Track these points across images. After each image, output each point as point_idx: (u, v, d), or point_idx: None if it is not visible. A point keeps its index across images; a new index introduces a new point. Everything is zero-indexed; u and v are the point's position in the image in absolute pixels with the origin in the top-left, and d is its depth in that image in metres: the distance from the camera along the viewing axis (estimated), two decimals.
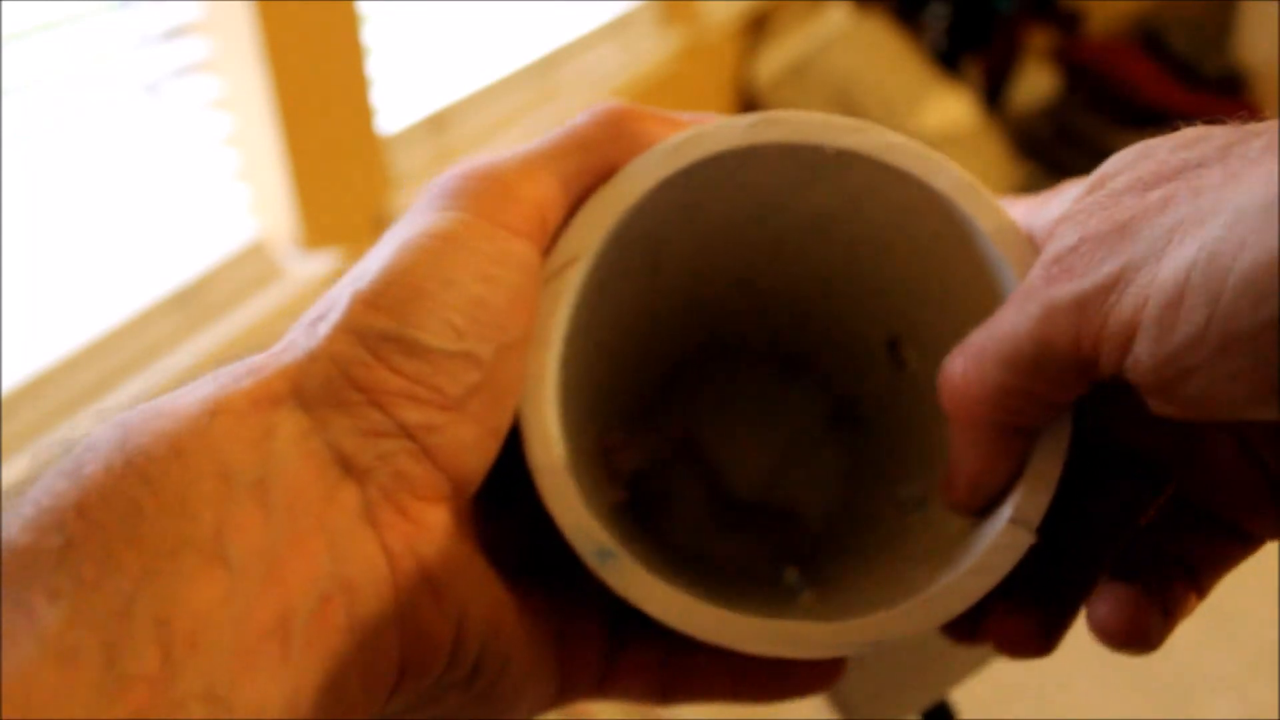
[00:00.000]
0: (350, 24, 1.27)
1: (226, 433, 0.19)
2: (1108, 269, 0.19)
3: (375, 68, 1.30)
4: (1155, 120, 2.67)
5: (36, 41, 0.96)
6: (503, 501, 0.24)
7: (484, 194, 0.22)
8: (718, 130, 0.25)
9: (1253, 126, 0.19)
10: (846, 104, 2.44)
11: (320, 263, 1.21)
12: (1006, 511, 0.23)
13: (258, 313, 1.14)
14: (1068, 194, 0.24)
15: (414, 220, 0.22)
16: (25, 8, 0.95)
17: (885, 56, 2.59)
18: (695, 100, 2.26)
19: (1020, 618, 0.24)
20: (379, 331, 0.20)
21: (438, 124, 1.47)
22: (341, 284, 0.22)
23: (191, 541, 0.17)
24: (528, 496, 0.23)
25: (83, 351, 1.01)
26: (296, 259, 1.22)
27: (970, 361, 0.22)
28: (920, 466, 0.29)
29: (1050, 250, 0.20)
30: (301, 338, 0.21)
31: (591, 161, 0.24)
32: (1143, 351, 0.18)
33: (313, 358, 0.20)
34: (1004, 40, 2.83)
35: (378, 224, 1.34)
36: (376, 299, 0.21)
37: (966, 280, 0.25)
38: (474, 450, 0.22)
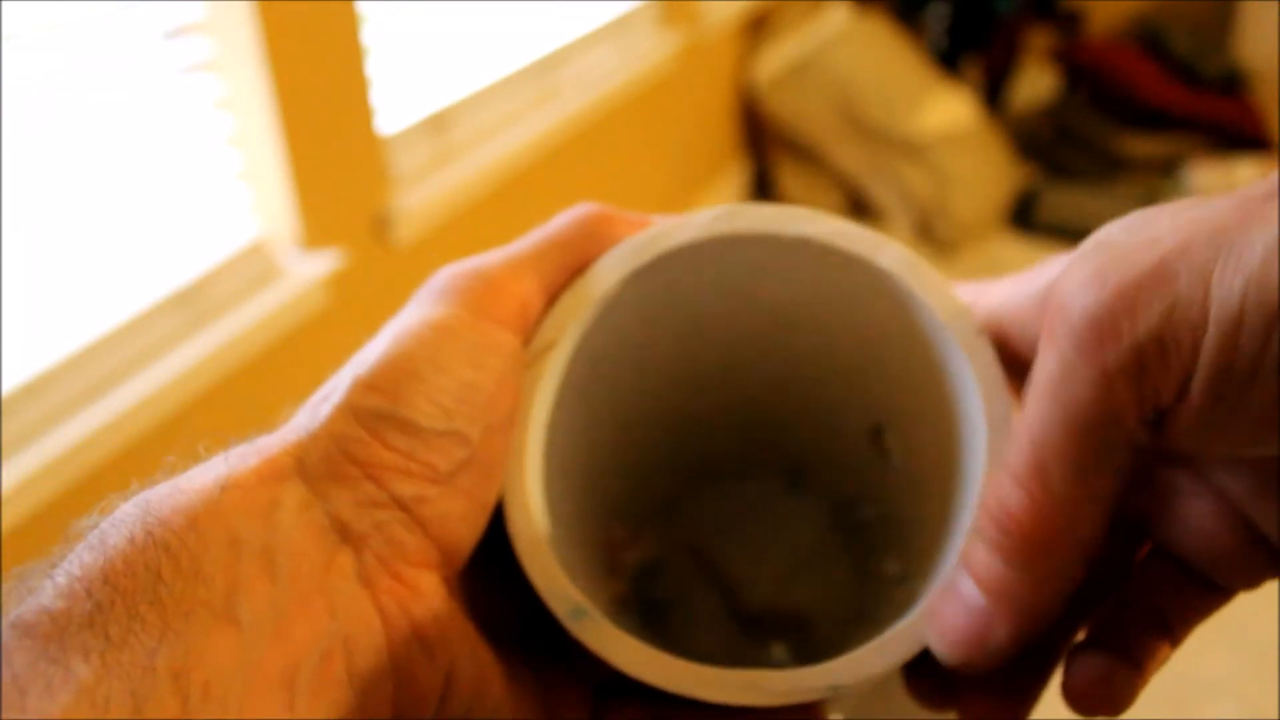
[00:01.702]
0: (350, 24, 1.27)
1: (235, 506, 0.21)
2: (1157, 312, 0.18)
3: (375, 68, 1.30)
4: (1155, 120, 2.67)
5: (38, 41, 0.96)
6: (495, 578, 0.25)
7: (472, 291, 0.25)
8: (680, 225, 0.27)
9: (1248, 186, 0.19)
10: (846, 104, 2.44)
11: (320, 263, 1.21)
12: (950, 561, 0.24)
13: (258, 313, 1.14)
14: (1002, 286, 0.25)
15: (410, 313, 0.24)
16: (26, 7, 0.95)
17: (885, 56, 2.59)
18: (695, 100, 2.26)
19: (989, 699, 0.24)
20: (375, 411, 0.22)
21: (438, 124, 1.47)
22: (344, 369, 0.24)
23: (205, 603, 0.19)
24: (516, 573, 0.25)
25: (83, 351, 1.01)
26: (296, 259, 1.22)
27: (1033, 483, 0.20)
28: (902, 545, 0.30)
29: (1072, 320, 0.19)
30: (305, 419, 0.23)
31: (568, 259, 0.27)
32: (1199, 382, 0.18)
33: (314, 436, 0.22)
34: (1004, 40, 2.83)
35: (378, 224, 1.34)
36: (374, 381, 0.23)
37: (925, 359, 0.27)
38: (462, 521, 0.23)
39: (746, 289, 0.28)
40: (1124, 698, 0.23)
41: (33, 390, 0.97)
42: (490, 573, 0.25)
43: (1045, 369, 0.20)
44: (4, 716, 0.17)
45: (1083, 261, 0.20)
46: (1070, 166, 2.66)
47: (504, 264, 0.26)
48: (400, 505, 0.22)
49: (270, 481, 0.21)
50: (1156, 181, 2.53)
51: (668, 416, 0.32)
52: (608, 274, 0.27)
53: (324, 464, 0.22)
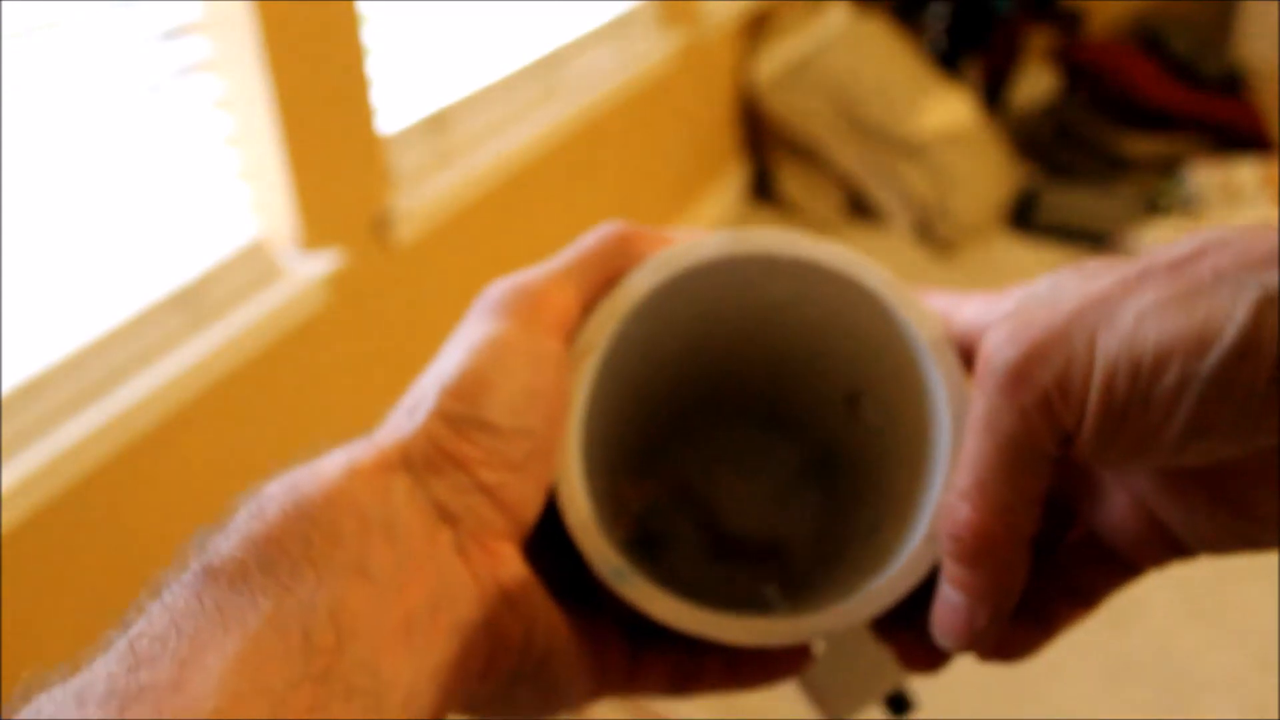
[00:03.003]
0: (350, 24, 1.27)
1: (361, 488, 0.26)
2: (1058, 365, 0.24)
3: (375, 68, 1.30)
4: (1155, 120, 2.67)
5: (37, 41, 0.96)
6: (547, 545, 0.31)
7: (524, 306, 0.30)
8: (698, 245, 0.32)
9: (1131, 261, 0.25)
10: (846, 104, 2.44)
11: (320, 263, 1.21)
12: (921, 530, 0.30)
13: (258, 312, 1.14)
14: (974, 304, 0.30)
15: (473, 329, 0.30)
16: (26, 8, 0.95)
17: (885, 56, 2.59)
18: (695, 100, 2.26)
19: (917, 637, 0.31)
20: (460, 415, 0.28)
21: (438, 124, 1.47)
22: (426, 380, 0.29)
23: (344, 563, 0.24)
24: (562, 543, 0.30)
25: (83, 351, 1.01)
26: (296, 259, 1.22)
27: (975, 497, 0.26)
28: (874, 498, 0.36)
29: (997, 367, 0.25)
30: (405, 422, 0.28)
31: (601, 273, 0.32)
32: (1090, 415, 0.24)
33: (414, 436, 0.28)
34: (1004, 40, 2.83)
35: (378, 224, 1.34)
36: (456, 390, 0.28)
37: (897, 354, 0.32)
38: (531, 501, 0.29)
39: (749, 291, 0.34)
40: (1025, 651, 0.30)
41: (33, 390, 0.97)
42: (543, 541, 0.30)
43: (977, 408, 0.26)
44: (207, 637, 0.22)
45: (1004, 322, 0.26)
46: (1070, 166, 2.66)
47: (547, 279, 0.31)
48: (484, 490, 0.28)
49: (385, 471, 0.27)
50: (1156, 181, 2.52)
51: (673, 385, 0.38)
52: (637, 288, 0.32)
53: (424, 458, 0.27)
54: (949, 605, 0.27)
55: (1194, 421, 0.22)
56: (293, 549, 0.24)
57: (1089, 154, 2.68)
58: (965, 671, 1.43)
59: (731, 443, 0.40)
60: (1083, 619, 0.30)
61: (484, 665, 0.27)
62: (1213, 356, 0.22)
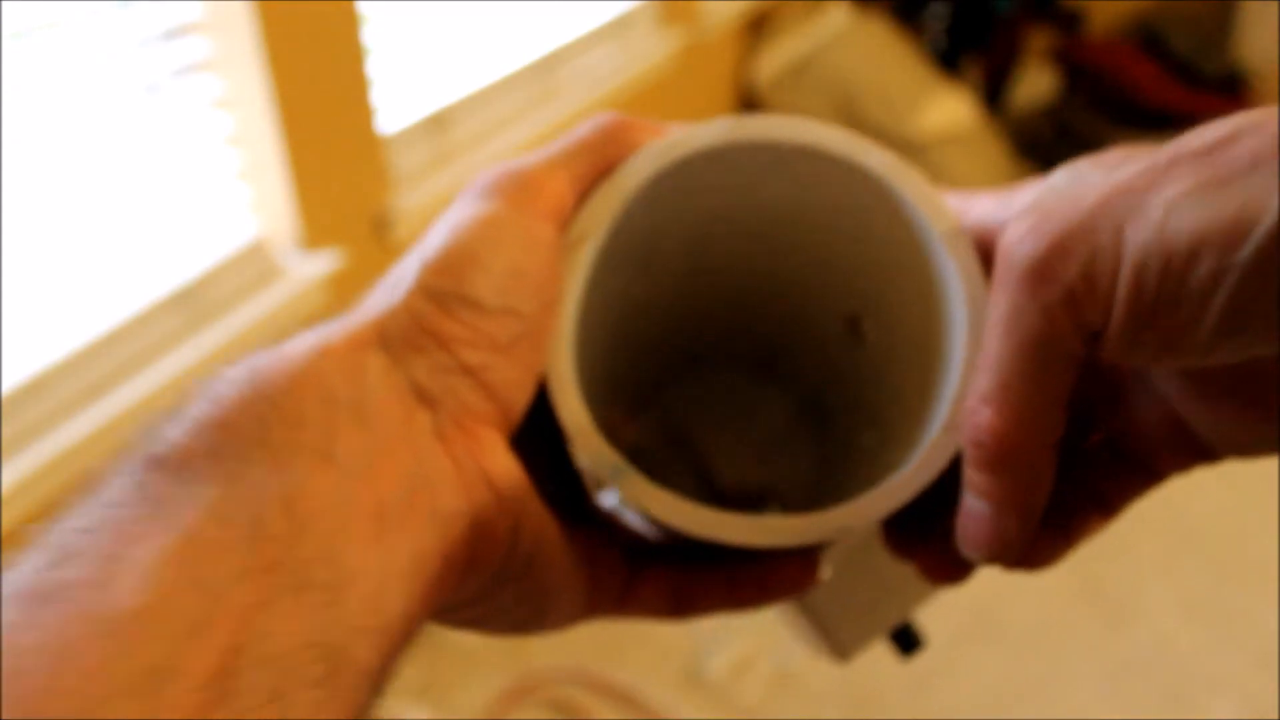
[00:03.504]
0: (350, 24, 1.27)
1: (330, 368, 0.24)
2: (1083, 259, 0.23)
3: (375, 68, 1.30)
4: (1155, 120, 2.67)
5: (37, 41, 0.96)
6: (537, 451, 0.29)
7: (515, 188, 0.28)
8: (695, 132, 0.31)
9: (1157, 151, 0.23)
10: (846, 104, 2.44)
11: (320, 262, 1.21)
12: (938, 424, 0.28)
13: (258, 312, 1.14)
14: (984, 202, 0.29)
15: (461, 209, 0.28)
16: (26, 7, 0.95)
17: (885, 56, 2.59)
18: (695, 100, 2.26)
19: (938, 548, 0.29)
20: (444, 290, 0.26)
21: (438, 124, 1.47)
22: (408, 258, 0.27)
23: (307, 446, 0.23)
24: (555, 452, 0.29)
25: (83, 351, 1.01)
26: (296, 259, 1.22)
27: (998, 401, 0.25)
28: (877, 417, 0.34)
29: (1018, 262, 0.24)
30: (384, 296, 0.26)
31: (596, 161, 0.30)
32: (1118, 311, 0.23)
33: (393, 312, 0.26)
34: (1004, 40, 2.83)
35: (378, 224, 1.34)
36: (440, 265, 0.26)
37: (908, 249, 0.30)
38: (518, 386, 0.27)
39: (747, 187, 0.32)
40: (1048, 560, 0.28)
41: (33, 390, 0.97)
42: (533, 448, 0.28)
43: (998, 308, 0.25)
44: (141, 529, 0.20)
45: (1024, 217, 0.24)
46: None
47: (540, 165, 0.29)
48: (467, 371, 0.26)
49: (358, 349, 0.25)
50: None
51: (666, 304, 0.36)
52: (634, 175, 0.30)
53: (402, 335, 0.26)
54: (974, 515, 0.26)
55: (1228, 317, 0.21)
56: (246, 432, 0.22)
57: (1089, 154, 2.68)
58: (965, 671, 1.42)
59: (722, 390, 0.38)
60: (1103, 528, 0.29)
61: (466, 560, 0.25)
62: (1249, 247, 0.21)
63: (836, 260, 0.33)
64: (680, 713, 1.33)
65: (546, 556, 0.28)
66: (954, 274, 0.29)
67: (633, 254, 0.32)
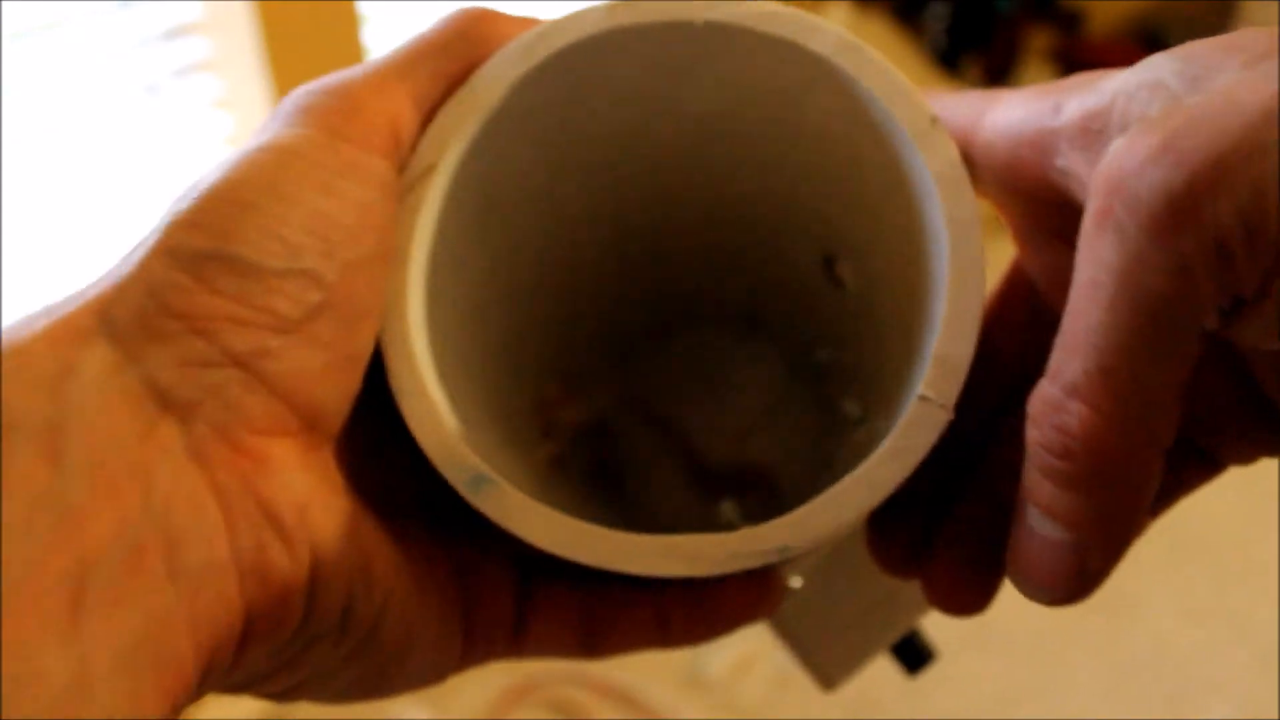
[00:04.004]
0: (350, 24, 1.27)
1: (11, 376, 0.17)
2: (1244, 192, 0.16)
3: None
4: None
5: (37, 41, 0.96)
6: (390, 445, 0.22)
7: (328, 109, 0.21)
8: (575, 17, 0.23)
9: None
10: None
11: None
12: (917, 386, 0.21)
13: None
14: (1010, 107, 0.22)
15: (251, 140, 0.21)
16: (26, 7, 0.95)
17: (885, 56, 2.59)
18: None
19: (955, 567, 0.22)
20: (198, 251, 0.19)
21: None
22: (167, 207, 0.20)
23: None
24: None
25: None
26: None
27: (1098, 392, 0.18)
28: (862, 384, 0.28)
29: (1142, 201, 0.17)
30: (116, 266, 0.19)
31: (445, 68, 0.23)
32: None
33: (122, 287, 0.19)
34: (1004, 40, 2.83)
35: None
36: (196, 217, 0.19)
37: (878, 165, 0.23)
38: (323, 378, 0.20)
39: (663, 96, 0.24)
40: (1095, 582, 0.21)
41: None
42: (383, 438, 0.22)
43: (1103, 259, 0.17)
44: None
45: (1144, 133, 0.17)
46: None
47: (366, 76, 0.22)
48: (237, 362, 0.19)
49: (62, 345, 0.18)
50: None
51: (593, 260, 0.29)
52: (493, 81, 0.22)
53: (137, 319, 0.18)
54: (1045, 544, 0.19)
55: None
56: None
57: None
58: (965, 672, 1.42)
59: (701, 353, 0.31)
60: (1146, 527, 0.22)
61: (240, 627, 0.18)
62: None
63: (798, 187, 0.26)
64: (680, 713, 1.33)
65: (375, 603, 0.20)
66: (930, 187, 0.22)
67: (523, 198, 0.25)
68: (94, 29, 1.01)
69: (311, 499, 0.20)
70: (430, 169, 0.22)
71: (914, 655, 0.28)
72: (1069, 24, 2.99)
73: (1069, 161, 0.20)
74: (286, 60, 1.15)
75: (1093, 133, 0.19)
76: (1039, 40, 3.01)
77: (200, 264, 0.19)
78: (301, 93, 0.21)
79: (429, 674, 0.23)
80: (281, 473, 0.19)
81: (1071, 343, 0.18)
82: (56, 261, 1.01)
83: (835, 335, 0.29)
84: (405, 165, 0.22)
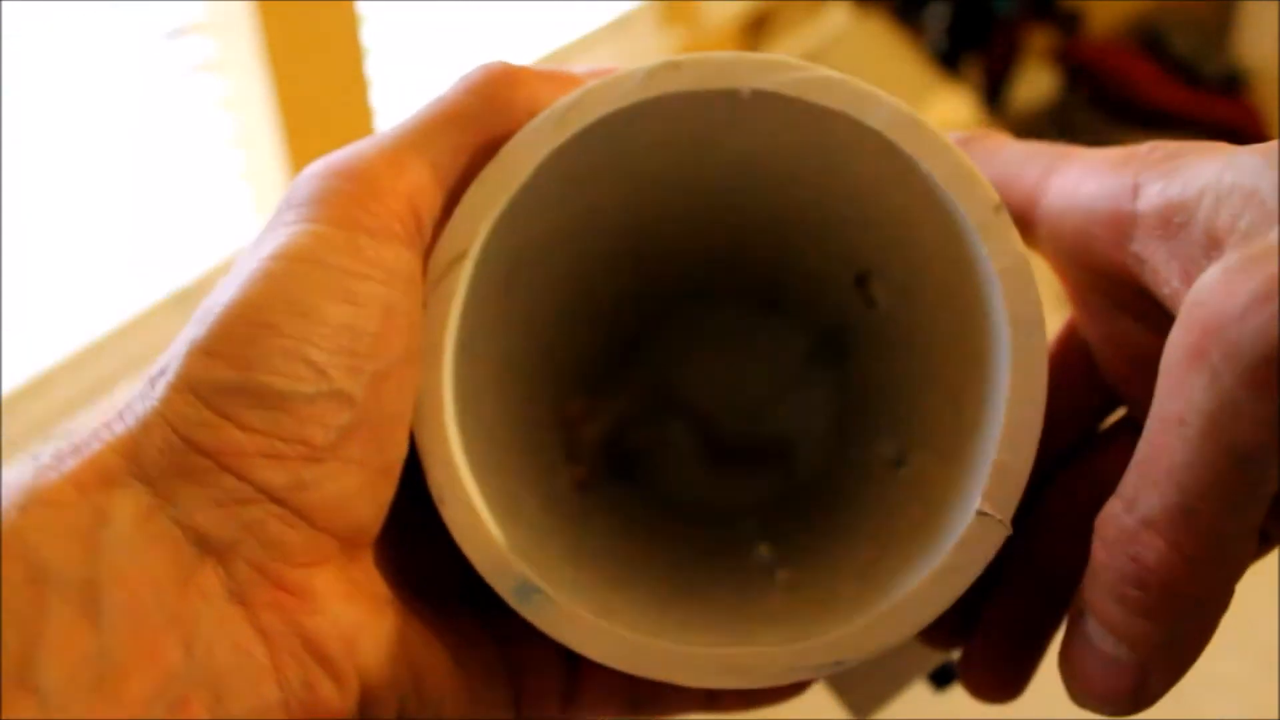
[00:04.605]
0: (350, 24, 1.27)
1: (43, 528, 0.16)
2: None
3: (375, 68, 1.30)
4: (1155, 120, 2.67)
5: (38, 42, 0.96)
6: (424, 530, 0.21)
7: (344, 197, 0.19)
8: (612, 84, 0.21)
9: None
10: None
11: None
12: (973, 500, 0.21)
13: None
14: (1080, 175, 0.21)
15: (262, 242, 0.19)
16: (26, 7, 0.95)
17: (885, 56, 2.59)
18: None
19: (993, 661, 0.22)
20: (221, 383, 0.18)
21: None
22: (185, 330, 0.19)
23: None
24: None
25: (83, 351, 1.01)
26: None
27: (1179, 529, 0.17)
28: (898, 420, 0.27)
29: (1239, 350, 0.16)
30: (138, 402, 0.18)
31: (469, 140, 0.21)
32: None
33: (148, 425, 0.18)
34: (1004, 40, 2.83)
35: None
36: (216, 345, 0.18)
37: (922, 222, 0.23)
38: (359, 498, 0.19)
39: (705, 142, 0.24)
40: (1153, 700, 0.21)
41: (33, 390, 0.97)
42: (419, 525, 0.21)
43: (1193, 400, 0.16)
44: None
45: (1247, 269, 0.16)
46: None
47: (382, 151, 0.20)
48: (273, 498, 0.18)
49: (94, 489, 0.17)
50: None
51: (617, 289, 0.28)
52: (525, 155, 0.21)
53: (165, 459, 0.17)
54: (1105, 658, 0.19)
55: None
56: None
57: None
58: None
59: (719, 327, 0.30)
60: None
61: None
62: None
63: (827, 216, 0.26)
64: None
65: (429, 707, 0.20)
66: (994, 281, 0.21)
67: (553, 250, 0.25)
68: (96, 29, 1.01)
69: (358, 629, 0.19)
70: (461, 256, 0.21)
71: (944, 674, 0.29)
72: (1068, 24, 2.99)
73: (1145, 250, 0.19)
74: (287, 61, 1.15)
75: (1174, 225, 0.18)
76: (1038, 40, 3.01)
77: (225, 397, 0.18)
78: (313, 176, 0.20)
79: None
80: (326, 606, 0.19)
81: (1151, 475, 0.17)
82: (58, 263, 1.01)
83: (867, 340, 0.29)
84: (428, 249, 0.21)
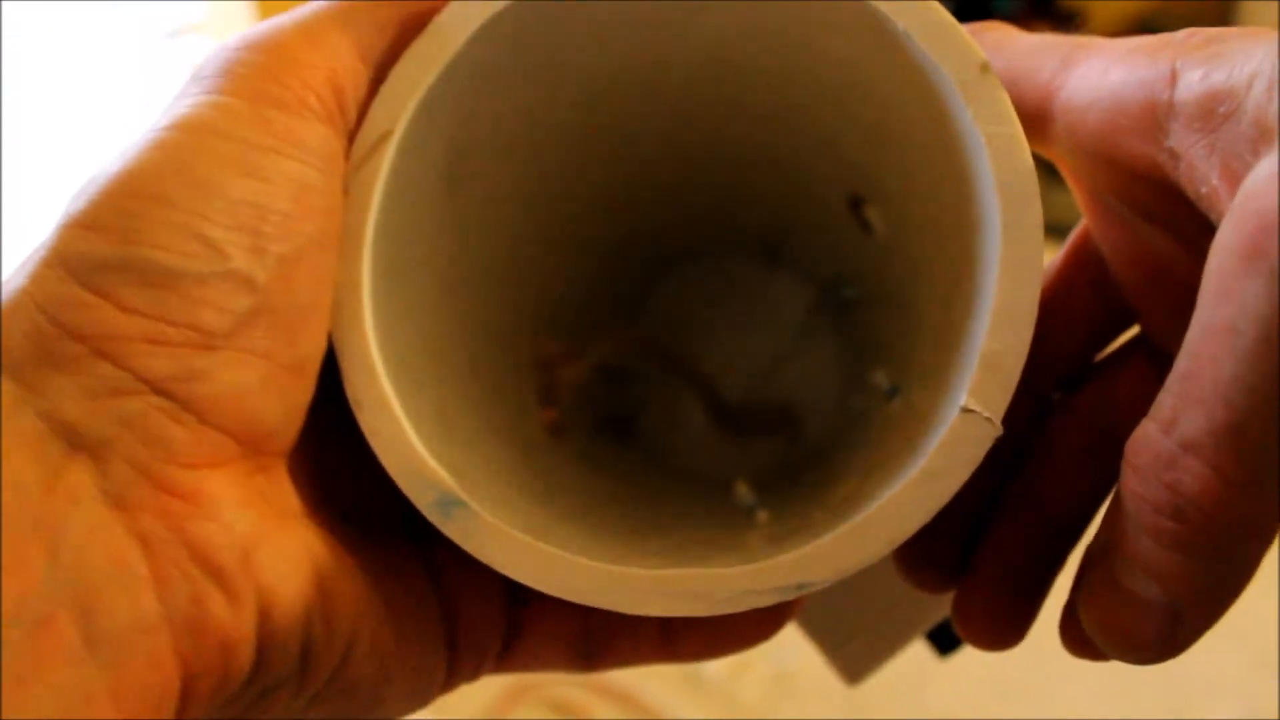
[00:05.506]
0: None
1: None
2: None
3: None
4: None
5: (38, 41, 0.96)
6: (357, 447, 0.19)
7: (253, 68, 0.17)
8: None
9: None
10: None
11: None
12: (960, 392, 0.18)
13: None
14: (1102, 64, 0.18)
15: (164, 113, 0.17)
16: (26, 8, 0.95)
17: None
18: None
19: (991, 601, 0.20)
20: (98, 259, 0.15)
21: None
22: (63, 207, 0.17)
23: None
24: None
25: None
26: None
27: (1225, 453, 0.15)
28: (895, 348, 0.25)
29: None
30: (4, 284, 0.16)
31: (395, 12, 0.19)
32: None
33: (13, 307, 0.15)
34: None
35: None
36: (94, 217, 0.16)
37: (913, 104, 0.20)
38: (263, 394, 0.17)
39: (663, 24, 0.21)
40: (1185, 646, 0.19)
41: None
42: (351, 445, 0.19)
43: (1247, 305, 0.14)
44: None
45: None
46: None
47: (298, 25, 0.18)
48: (156, 388, 0.16)
49: None
50: None
51: (586, 206, 0.25)
52: (458, 26, 0.19)
53: (32, 345, 0.15)
54: (1135, 600, 0.17)
55: None
56: None
57: None
58: (965, 670, 1.43)
59: (720, 283, 0.28)
60: None
61: (177, 689, 0.16)
62: None
63: (821, 123, 0.23)
64: (680, 712, 1.33)
65: (341, 640, 0.18)
66: (980, 146, 0.18)
67: (504, 149, 0.22)
68: (95, 29, 1.01)
69: (257, 538, 0.17)
70: (385, 136, 0.18)
71: (947, 639, 0.26)
72: (1069, 24, 3.00)
73: (1182, 144, 0.17)
74: None
75: (1218, 115, 0.16)
76: None
77: (104, 274, 0.16)
78: (222, 49, 0.18)
79: (409, 702, 0.20)
80: (219, 513, 0.16)
81: (1194, 392, 0.15)
82: None
83: (864, 278, 0.27)
84: (353, 132, 0.19)
